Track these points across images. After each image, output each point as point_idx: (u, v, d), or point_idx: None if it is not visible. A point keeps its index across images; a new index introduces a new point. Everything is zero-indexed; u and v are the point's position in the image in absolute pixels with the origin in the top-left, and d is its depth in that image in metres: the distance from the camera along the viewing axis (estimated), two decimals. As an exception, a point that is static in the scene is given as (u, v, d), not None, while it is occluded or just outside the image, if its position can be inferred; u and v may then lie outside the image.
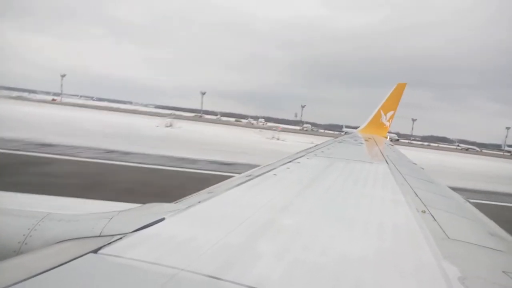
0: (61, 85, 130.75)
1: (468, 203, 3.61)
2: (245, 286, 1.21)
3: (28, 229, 1.77)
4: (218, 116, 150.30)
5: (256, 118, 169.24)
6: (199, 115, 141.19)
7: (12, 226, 1.82)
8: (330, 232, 1.93)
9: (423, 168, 6.50)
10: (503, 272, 1.66)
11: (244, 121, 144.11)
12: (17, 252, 1.69)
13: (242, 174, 3.32)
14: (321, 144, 8.19)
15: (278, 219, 2.03)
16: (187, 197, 2.29)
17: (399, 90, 16.88)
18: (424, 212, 2.59)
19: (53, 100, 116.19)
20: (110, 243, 1.46)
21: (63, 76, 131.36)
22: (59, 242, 1.62)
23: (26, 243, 1.72)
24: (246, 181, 3.00)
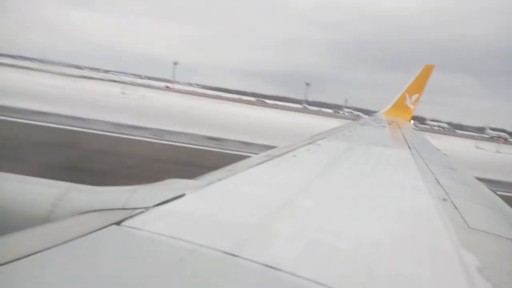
0: (174, 73, 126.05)
1: (492, 193, 3.52)
2: (261, 264, 1.24)
3: (56, 198, 1.84)
4: (304, 105, 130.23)
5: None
6: (261, 100, 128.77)
7: (41, 195, 1.90)
8: (348, 216, 1.93)
9: (446, 155, 6.35)
10: None
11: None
12: (45, 220, 1.76)
13: (261, 154, 3.33)
14: (342, 126, 8.09)
15: (296, 200, 2.04)
16: (207, 174, 2.32)
17: (427, 72, 16.29)
18: (445, 200, 2.55)
19: (167, 87, 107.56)
20: (132, 216, 1.52)
21: (175, 63, 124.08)
22: (84, 212, 1.68)
23: (53, 212, 1.80)
24: (266, 161, 3.01)
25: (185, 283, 1.10)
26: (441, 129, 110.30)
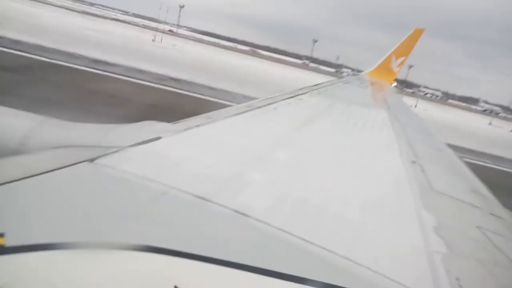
0: (179, 17, 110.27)
1: (459, 160, 3.66)
2: (231, 210, 1.27)
3: (27, 130, 1.79)
4: (305, 61, 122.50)
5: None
6: (253, 49, 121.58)
7: (12, 126, 1.84)
8: (320, 171, 1.98)
9: (422, 120, 6.48)
10: (477, 227, 1.75)
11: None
12: (16, 151, 1.72)
13: (242, 104, 3.30)
14: (326, 82, 8.06)
15: (271, 152, 2.06)
16: (186, 119, 2.30)
17: (415, 35, 16.07)
18: (414, 162, 2.64)
19: (170, 31, 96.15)
20: (106, 154, 1.50)
21: (182, 7, 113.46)
22: (58, 147, 1.65)
23: (24, 144, 1.75)
24: (246, 111, 3.00)
25: (155, 224, 1.12)
26: (436, 97, 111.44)
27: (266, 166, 1.83)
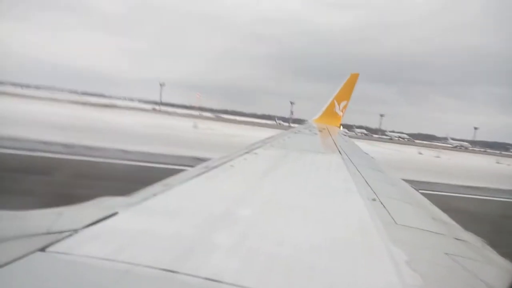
0: (160, 94, 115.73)
1: (415, 191, 3.83)
2: (202, 278, 1.21)
3: None
4: (278, 122, 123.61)
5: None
6: (217, 114, 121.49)
7: None
8: (285, 222, 1.97)
9: (373, 158, 6.78)
10: (445, 253, 1.79)
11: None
12: None
13: (198, 166, 3.29)
14: (278, 135, 8.29)
15: (233, 211, 2.04)
16: (141, 190, 2.23)
17: (352, 80, 17.26)
18: (375, 200, 2.71)
19: (154, 109, 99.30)
20: (59, 240, 1.39)
21: (162, 85, 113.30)
22: (1, 240, 1.52)
23: None
24: (203, 172, 2.98)
25: None
26: (402, 139, 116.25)
27: (230, 226, 1.79)
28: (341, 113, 17.38)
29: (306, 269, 1.40)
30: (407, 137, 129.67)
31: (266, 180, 3.05)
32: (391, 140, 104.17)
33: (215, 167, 3.29)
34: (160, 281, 1.18)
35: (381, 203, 2.64)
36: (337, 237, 1.82)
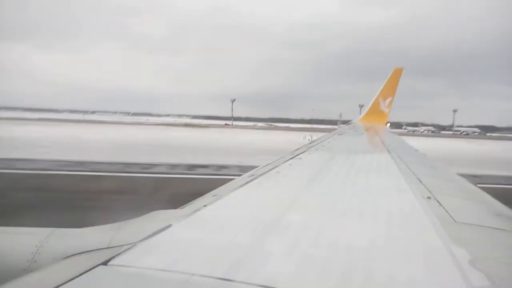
0: (232, 109, 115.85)
1: (474, 186, 3.60)
2: (257, 286, 1.22)
3: (36, 246, 1.76)
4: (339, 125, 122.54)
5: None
6: (269, 123, 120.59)
7: (20, 244, 1.81)
8: (338, 225, 1.93)
9: (425, 155, 6.48)
10: None
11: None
12: (27, 270, 1.68)
13: (245, 174, 3.32)
14: (321, 137, 8.18)
15: (284, 216, 2.03)
16: (192, 202, 2.29)
17: (396, 75, 16.65)
18: (430, 198, 2.59)
19: (226, 124, 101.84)
20: (119, 253, 1.46)
21: (233, 100, 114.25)
22: (68, 257, 1.62)
23: (35, 261, 1.71)
24: (250, 181, 3.00)
25: None
26: (429, 132, 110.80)
27: (282, 233, 1.78)
28: (387, 110, 16.79)
29: (364, 272, 1.36)
30: (478, 131, 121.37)
31: (314, 184, 3.01)
32: (467, 135, 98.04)
33: (261, 174, 3.30)
34: None
35: (437, 200, 2.52)
36: (394, 238, 1.75)
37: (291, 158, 4.41)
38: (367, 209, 2.28)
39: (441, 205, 2.41)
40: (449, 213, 2.21)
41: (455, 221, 2.08)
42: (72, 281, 1.24)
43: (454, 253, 1.56)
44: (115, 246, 1.56)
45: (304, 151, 5.19)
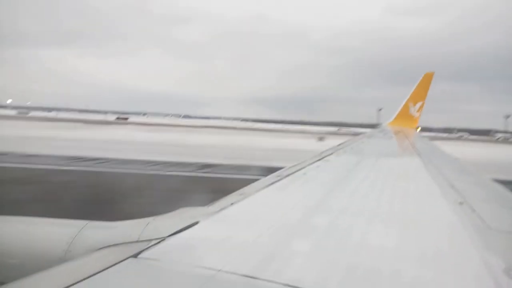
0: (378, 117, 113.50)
1: (510, 193, 3.45)
2: (283, 285, 1.22)
3: (71, 237, 1.85)
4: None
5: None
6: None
7: (57, 234, 1.91)
8: (365, 229, 1.90)
9: (457, 159, 6.27)
10: None
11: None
12: (63, 259, 1.76)
13: (272, 175, 3.32)
14: (349, 140, 8.08)
15: (310, 218, 2.02)
16: (219, 200, 2.32)
17: (427, 79, 16.27)
18: (462, 203, 2.51)
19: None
20: (148, 247, 1.51)
21: (380, 109, 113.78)
22: (100, 248, 1.68)
23: (70, 251, 1.80)
24: (277, 181, 3.01)
25: None
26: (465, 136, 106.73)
27: (308, 233, 1.77)
28: (417, 115, 16.40)
29: (391, 278, 1.33)
30: (467, 134, 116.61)
31: (342, 186, 2.97)
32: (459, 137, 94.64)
33: (288, 175, 3.29)
34: (243, 286, 1.22)
35: (470, 206, 2.43)
36: (423, 245, 1.70)
37: (319, 160, 4.38)
38: (395, 213, 2.24)
39: (474, 211, 2.33)
40: (483, 219, 2.13)
41: (490, 228, 2.00)
42: (104, 271, 1.30)
43: (488, 261, 1.51)
44: (145, 240, 1.61)
45: (332, 153, 5.15)
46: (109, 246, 1.68)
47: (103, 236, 1.79)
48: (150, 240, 1.60)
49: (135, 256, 1.43)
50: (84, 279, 1.23)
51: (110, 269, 1.32)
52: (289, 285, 1.22)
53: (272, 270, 1.33)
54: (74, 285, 1.18)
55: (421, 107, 16.37)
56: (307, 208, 2.21)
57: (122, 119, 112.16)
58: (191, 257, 1.42)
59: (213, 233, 1.73)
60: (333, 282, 1.27)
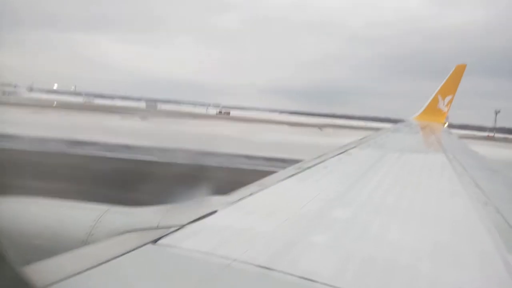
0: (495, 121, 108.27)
1: None
2: (297, 277, 1.23)
3: (94, 221, 1.92)
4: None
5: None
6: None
7: (80, 218, 1.99)
8: (387, 226, 1.88)
9: (485, 157, 6.06)
10: None
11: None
12: (85, 242, 1.83)
13: (292, 167, 3.31)
14: (374, 134, 7.94)
15: (329, 211, 2.01)
16: (238, 190, 2.34)
17: (459, 72, 15.65)
18: (487, 203, 2.43)
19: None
20: (167, 234, 1.54)
21: (498, 112, 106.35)
22: (122, 233, 1.73)
23: (92, 234, 1.87)
24: (297, 173, 3.00)
25: None
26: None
27: (325, 226, 1.77)
28: (446, 109, 15.86)
29: (407, 275, 1.32)
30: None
31: (363, 181, 2.94)
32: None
33: (309, 167, 3.28)
34: (256, 277, 1.23)
35: (495, 206, 2.36)
36: (447, 244, 1.67)
37: (341, 153, 4.33)
38: (417, 211, 2.20)
39: (499, 211, 2.26)
40: (507, 221, 2.07)
41: (510, 228, 1.95)
42: (124, 255, 1.34)
43: (509, 262, 1.47)
44: (164, 227, 1.65)
45: (354, 147, 5.07)
46: (129, 231, 1.73)
47: (124, 222, 1.85)
48: (169, 227, 1.63)
49: (154, 242, 1.47)
50: (105, 262, 1.27)
51: (130, 254, 1.36)
52: (303, 278, 1.22)
53: (288, 262, 1.33)
54: (95, 268, 1.23)
55: (451, 100, 15.81)
56: (326, 201, 2.20)
57: (225, 113, 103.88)
58: (208, 245, 1.44)
59: (230, 222, 1.75)
60: (347, 276, 1.27)
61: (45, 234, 1.95)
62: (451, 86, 15.73)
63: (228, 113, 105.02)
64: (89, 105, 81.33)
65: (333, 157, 4.05)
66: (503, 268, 1.42)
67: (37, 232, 1.96)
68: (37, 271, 1.23)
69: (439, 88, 15.91)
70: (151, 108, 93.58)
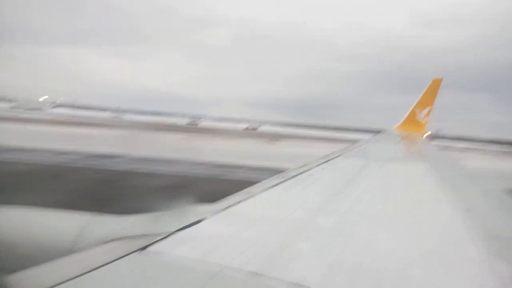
0: None
1: None
2: (287, 282, 1.22)
3: (79, 229, 1.87)
4: None
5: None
6: None
7: (65, 226, 1.94)
8: (371, 234, 1.89)
9: (465, 166, 6.22)
10: None
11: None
12: (71, 250, 1.78)
13: (278, 175, 3.32)
14: (357, 144, 8.05)
15: (315, 219, 2.02)
16: (226, 198, 2.33)
17: (435, 85, 16.24)
18: (470, 210, 2.49)
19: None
20: (156, 241, 1.52)
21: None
22: (108, 241, 1.70)
23: (77, 243, 1.83)
24: (283, 181, 3.01)
25: None
26: None
27: (313, 234, 1.78)
28: (424, 121, 16.35)
29: (394, 280, 1.33)
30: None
31: (347, 189, 2.97)
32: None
33: (294, 176, 3.29)
34: (247, 283, 1.22)
35: (478, 214, 2.41)
36: (428, 251, 1.69)
37: (325, 162, 4.37)
38: (400, 218, 2.23)
39: (482, 218, 2.31)
40: (491, 227, 2.12)
41: (498, 235, 1.99)
42: (112, 263, 1.32)
43: (496, 270, 1.50)
44: (152, 235, 1.62)
45: (338, 156, 5.13)
46: (116, 239, 1.70)
47: (110, 230, 1.81)
48: (158, 234, 1.61)
49: (142, 249, 1.45)
50: (91, 270, 1.24)
51: (117, 261, 1.33)
52: (293, 283, 1.22)
53: (278, 268, 1.33)
54: (81, 276, 1.20)
55: (429, 112, 16.31)
56: (312, 209, 2.21)
57: (193, 124, 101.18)
58: (197, 252, 1.44)
59: (218, 230, 1.74)
60: (337, 281, 1.27)
61: (29, 243, 1.89)
62: (428, 99, 16.26)
63: (196, 124, 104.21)
64: (130, 122, 79.24)
65: (317, 165, 4.08)
66: (487, 275, 1.45)
67: (21, 241, 1.90)
68: (20, 280, 1.19)
69: (416, 101, 16.41)
70: (194, 125, 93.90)
